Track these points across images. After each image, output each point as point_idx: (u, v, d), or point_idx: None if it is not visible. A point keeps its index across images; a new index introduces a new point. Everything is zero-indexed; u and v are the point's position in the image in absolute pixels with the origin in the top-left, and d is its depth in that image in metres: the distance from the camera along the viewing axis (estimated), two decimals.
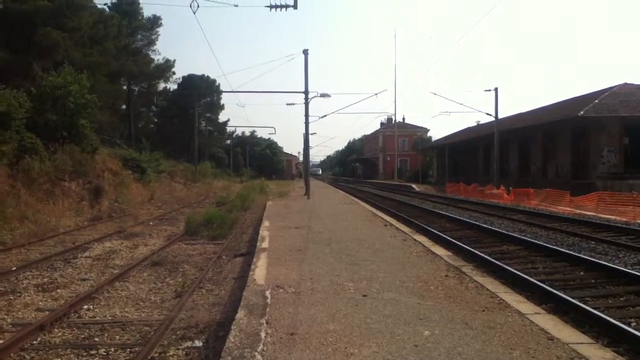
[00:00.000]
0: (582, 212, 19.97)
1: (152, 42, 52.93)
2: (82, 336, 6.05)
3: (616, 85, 34.69)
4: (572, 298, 6.74)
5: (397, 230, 12.98)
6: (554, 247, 10.97)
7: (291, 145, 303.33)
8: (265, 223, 14.64)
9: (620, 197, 20.82)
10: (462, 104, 50.74)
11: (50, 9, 26.54)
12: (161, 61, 54.21)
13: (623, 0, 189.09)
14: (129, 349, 5.59)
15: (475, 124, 57.85)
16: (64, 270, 9.87)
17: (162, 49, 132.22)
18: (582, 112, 29.83)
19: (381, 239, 11.30)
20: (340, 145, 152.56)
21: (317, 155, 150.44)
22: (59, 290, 8.28)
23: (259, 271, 7.70)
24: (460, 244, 11.48)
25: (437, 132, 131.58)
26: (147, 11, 52.04)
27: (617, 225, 15.07)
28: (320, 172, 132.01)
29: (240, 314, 5.42)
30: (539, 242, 11.61)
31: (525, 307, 5.79)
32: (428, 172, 67.39)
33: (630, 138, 31.21)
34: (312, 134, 35.25)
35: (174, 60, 55.47)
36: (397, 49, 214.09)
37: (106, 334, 6.11)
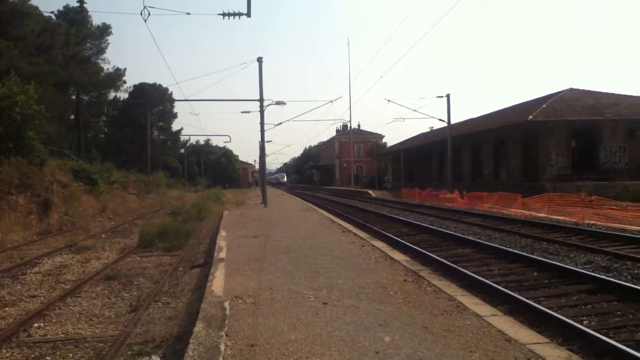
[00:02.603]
0: (533, 213, 20.54)
1: (101, 51, 51.81)
2: (33, 356, 5.80)
3: (563, 91, 36.03)
4: (527, 299, 6.90)
5: (355, 236, 13.03)
6: (508, 249, 11.23)
7: (247, 153, 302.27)
8: (222, 233, 14.46)
9: (569, 198, 21.51)
10: (415, 110, 51.69)
11: None
12: (111, 70, 53.13)
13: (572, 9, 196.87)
14: None
15: (429, 130, 58.89)
16: (12, 287, 9.47)
17: (113, 58, 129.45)
18: (531, 117, 30.79)
19: (340, 245, 11.31)
20: (297, 152, 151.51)
21: (274, 162, 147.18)
22: (7, 309, 7.92)
23: (217, 282, 7.58)
24: (418, 248, 11.62)
25: (392, 138, 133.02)
26: (97, 19, 50.94)
27: (567, 226, 15.56)
28: (285, 179, 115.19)
29: (199, 326, 5.31)
30: (493, 245, 11.87)
31: (483, 309, 5.88)
32: (384, 178, 68.11)
33: (577, 141, 32.42)
34: (268, 141, 35.18)
35: (125, 69, 54.47)
36: (351, 57, 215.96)
37: (58, 353, 5.88)
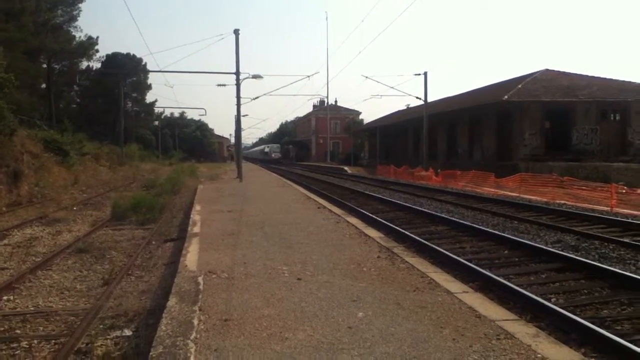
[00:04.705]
0: (506, 192, 20.84)
1: (73, 18, 50.16)
2: (2, 329, 5.73)
3: (538, 71, 36.36)
4: (498, 276, 7.02)
5: (330, 212, 13.07)
6: (480, 227, 11.40)
7: (223, 127, 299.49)
8: (197, 207, 14.37)
9: (541, 178, 21.85)
10: (393, 88, 51.65)
11: None
12: (83, 38, 51.75)
13: None
14: (53, 340, 5.34)
15: (406, 107, 59.02)
16: None
17: (85, 26, 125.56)
18: (506, 97, 31.04)
19: (314, 221, 11.34)
20: (273, 127, 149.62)
21: (249, 137, 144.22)
22: None
23: (191, 257, 7.55)
24: (392, 225, 11.70)
25: (369, 115, 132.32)
26: None
27: (538, 205, 15.83)
28: (280, 153, 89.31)
29: (172, 301, 5.30)
30: (465, 223, 12.01)
31: (454, 286, 5.98)
32: (360, 155, 68.30)
33: (551, 122, 32.86)
34: (244, 115, 34.72)
35: (97, 38, 53.06)
36: (329, 32, 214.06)
37: (28, 326, 5.81)
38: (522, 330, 4.46)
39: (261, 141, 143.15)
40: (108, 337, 5.40)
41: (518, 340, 4.23)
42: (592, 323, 5.12)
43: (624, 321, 5.57)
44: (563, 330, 5.17)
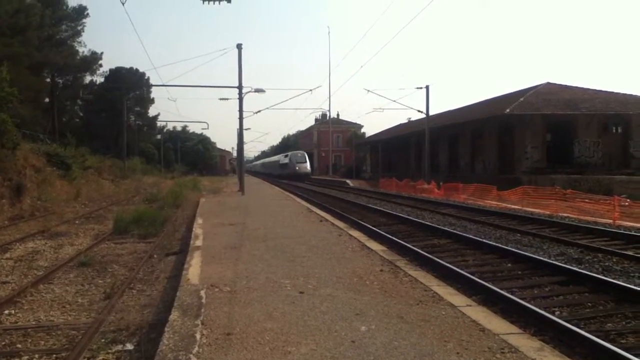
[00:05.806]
0: (508, 205, 20.80)
1: (77, 33, 50.56)
2: (3, 343, 5.69)
3: (540, 85, 36.51)
4: (501, 289, 6.99)
5: (332, 225, 13.05)
6: (483, 240, 11.35)
7: (225, 141, 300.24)
8: (199, 220, 14.36)
9: (543, 191, 21.82)
10: (394, 101, 51.82)
11: None
12: (87, 53, 52.11)
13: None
14: (54, 355, 5.30)
15: (407, 121, 59.16)
16: None
17: (89, 41, 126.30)
18: (508, 110, 31.11)
19: (317, 235, 11.32)
20: (275, 140, 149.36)
21: (252, 150, 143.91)
22: None
23: (193, 270, 7.52)
24: (394, 238, 11.68)
25: (371, 128, 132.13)
26: (73, 1, 49.80)
27: (541, 218, 15.80)
28: (309, 167, 64.78)
29: (174, 315, 5.27)
30: (468, 236, 11.99)
31: (457, 299, 5.94)
32: (362, 168, 68.34)
33: (552, 135, 32.91)
34: (246, 129, 34.86)
35: (101, 53, 53.50)
36: (331, 46, 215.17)
37: (30, 340, 5.78)
38: (527, 344, 4.42)
39: (263, 154, 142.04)
40: (110, 351, 5.36)
41: (522, 354, 4.20)
42: (597, 336, 5.09)
43: (629, 334, 5.54)
44: (567, 344, 5.14)
